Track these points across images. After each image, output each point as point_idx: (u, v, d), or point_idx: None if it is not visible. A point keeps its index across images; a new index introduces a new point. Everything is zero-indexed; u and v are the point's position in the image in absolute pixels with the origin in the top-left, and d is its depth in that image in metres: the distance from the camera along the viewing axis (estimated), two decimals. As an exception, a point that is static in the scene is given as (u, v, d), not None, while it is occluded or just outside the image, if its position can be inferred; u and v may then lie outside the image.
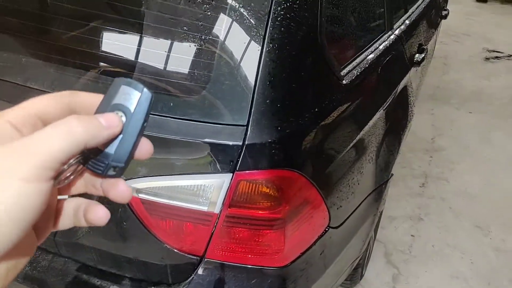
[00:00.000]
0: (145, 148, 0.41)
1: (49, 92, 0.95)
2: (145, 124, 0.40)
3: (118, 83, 0.40)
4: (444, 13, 3.12)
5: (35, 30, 1.15)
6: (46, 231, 0.40)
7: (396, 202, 2.76)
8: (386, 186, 1.65)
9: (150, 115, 0.41)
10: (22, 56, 1.11)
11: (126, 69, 1.06)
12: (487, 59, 5.29)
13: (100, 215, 0.41)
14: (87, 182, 0.42)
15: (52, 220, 0.41)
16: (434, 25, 2.73)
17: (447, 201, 2.80)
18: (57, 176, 0.34)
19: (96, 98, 0.40)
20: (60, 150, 0.33)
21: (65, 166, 0.35)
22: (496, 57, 5.34)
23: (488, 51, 5.52)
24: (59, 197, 0.42)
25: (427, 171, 3.11)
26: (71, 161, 0.36)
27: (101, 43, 1.09)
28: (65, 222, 0.42)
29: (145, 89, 0.39)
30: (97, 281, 1.19)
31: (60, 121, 0.34)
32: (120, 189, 0.40)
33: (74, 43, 1.10)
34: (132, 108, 0.39)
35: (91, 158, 0.38)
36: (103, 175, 0.39)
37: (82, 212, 0.41)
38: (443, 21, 3.51)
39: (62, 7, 1.12)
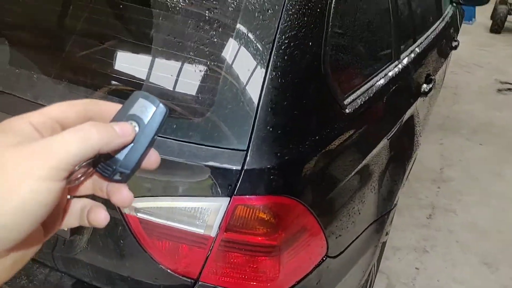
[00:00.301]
0: (153, 158, 0.43)
1: None
2: (155, 137, 0.42)
3: (136, 95, 0.42)
4: (454, 44, 3.13)
5: (47, 48, 1.18)
6: (54, 228, 0.42)
7: (401, 233, 2.73)
8: (388, 216, 1.64)
9: None
10: (34, 72, 1.14)
11: (133, 89, 1.08)
12: (499, 90, 5.27)
13: (101, 217, 0.43)
14: (95, 184, 0.44)
15: (60, 218, 0.43)
16: (443, 56, 2.73)
17: (454, 234, 2.76)
18: (69, 177, 0.36)
19: (113, 108, 0.43)
20: (76, 154, 0.35)
21: (77, 167, 0.37)
22: (509, 89, 5.32)
23: (501, 82, 5.50)
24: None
25: (435, 202, 3.07)
26: (83, 163, 0.38)
27: (110, 63, 1.11)
28: (71, 220, 0.45)
29: (161, 105, 0.42)
30: (91, 298, 1.19)
31: (78, 127, 0.36)
32: (123, 194, 0.42)
33: (83, 62, 1.13)
34: (146, 120, 0.41)
35: (101, 162, 0.41)
36: (109, 178, 0.41)
37: (86, 212, 0.44)
38: (454, 51, 3.52)
39: (75, 27, 1.15)
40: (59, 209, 0.43)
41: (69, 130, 0.36)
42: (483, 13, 8.19)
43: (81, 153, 0.35)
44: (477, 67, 6.06)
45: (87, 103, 0.42)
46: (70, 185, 0.38)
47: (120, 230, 1.07)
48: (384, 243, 2.27)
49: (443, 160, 3.63)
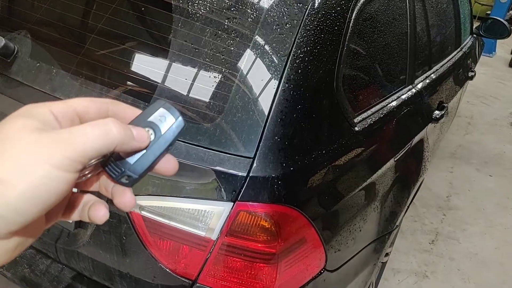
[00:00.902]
0: (171, 165, 0.44)
1: None
2: (170, 148, 0.43)
3: (158, 104, 0.43)
4: (470, 74, 3.13)
5: (68, 44, 1.22)
6: (55, 218, 0.44)
7: (403, 255, 2.71)
8: (389, 237, 1.64)
9: None
10: (53, 67, 1.18)
11: (147, 90, 1.12)
12: (513, 124, 5.24)
13: (100, 214, 0.44)
14: (101, 183, 0.45)
15: (63, 209, 0.45)
16: (458, 85, 2.74)
17: (455, 262, 2.74)
18: (82, 170, 0.37)
19: (133, 111, 0.44)
20: (93, 148, 0.36)
21: (89, 163, 0.38)
22: (523, 123, 5.28)
23: (516, 116, 5.46)
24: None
25: (439, 228, 3.06)
26: (93, 161, 0.39)
27: (127, 63, 1.15)
28: (73, 214, 0.46)
29: (180, 118, 0.43)
30: (90, 292, 1.21)
31: (99, 121, 0.37)
32: (127, 198, 0.43)
33: (102, 61, 1.16)
34: (163, 130, 0.42)
35: (111, 162, 0.41)
36: (116, 180, 0.42)
37: (88, 208, 0.45)
38: (473, 82, 3.52)
39: (96, 26, 1.19)
40: (64, 201, 0.44)
41: (90, 123, 0.37)
42: (503, 47, 8.18)
43: (99, 147, 0.36)
44: (493, 99, 6.04)
45: (108, 102, 0.43)
46: (78, 180, 0.38)
47: (123, 227, 1.10)
48: (384, 264, 2.26)
49: (451, 188, 3.61)
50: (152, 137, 0.42)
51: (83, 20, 1.25)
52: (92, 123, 0.37)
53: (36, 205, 0.34)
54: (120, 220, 1.10)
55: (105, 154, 0.38)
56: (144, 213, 1.06)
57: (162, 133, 0.42)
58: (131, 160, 0.41)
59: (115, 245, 1.13)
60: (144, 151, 0.41)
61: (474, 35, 3.38)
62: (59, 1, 1.26)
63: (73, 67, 1.16)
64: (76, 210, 0.46)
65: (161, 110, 0.43)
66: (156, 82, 1.11)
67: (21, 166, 0.33)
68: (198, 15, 1.13)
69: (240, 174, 0.99)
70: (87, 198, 0.46)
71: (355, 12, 1.25)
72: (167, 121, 0.42)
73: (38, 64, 1.19)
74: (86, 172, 0.41)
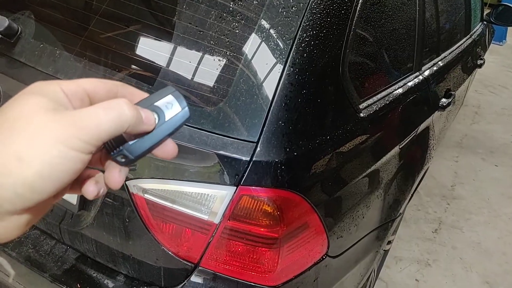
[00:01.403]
0: (170, 148, 0.44)
1: None
2: (170, 135, 0.43)
3: (167, 90, 0.44)
4: (479, 62, 3.10)
5: (72, 26, 1.21)
6: (62, 193, 0.43)
7: (405, 243, 2.72)
8: (392, 225, 1.64)
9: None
10: (57, 48, 1.17)
11: (151, 73, 1.11)
12: (521, 114, 5.19)
13: (89, 190, 0.44)
14: (102, 157, 0.45)
15: (69, 185, 0.45)
16: (467, 73, 2.71)
17: (458, 251, 2.74)
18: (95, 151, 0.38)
19: (141, 95, 0.44)
20: (107, 131, 0.37)
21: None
22: (531, 113, 5.23)
23: (524, 106, 5.41)
24: None
25: (443, 217, 3.05)
26: None
27: (131, 46, 1.14)
28: (75, 188, 0.46)
29: (186, 108, 0.43)
30: (93, 273, 1.22)
31: (112, 103, 0.38)
32: (115, 175, 0.43)
33: (105, 43, 1.15)
34: (167, 117, 0.42)
35: (111, 138, 0.41)
36: (112, 157, 0.42)
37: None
38: (481, 70, 3.48)
39: (100, 8, 1.18)
40: None
41: (102, 105, 0.37)
42: (515, 35, 8.08)
43: (112, 130, 0.37)
44: (502, 88, 5.98)
45: (117, 84, 0.43)
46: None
47: (126, 209, 1.10)
48: (386, 252, 2.27)
49: (456, 177, 3.60)
50: (156, 121, 0.42)
51: (87, 1, 1.24)
52: (105, 105, 0.37)
53: (51, 183, 0.35)
54: (123, 203, 1.11)
55: (118, 135, 0.39)
56: (147, 196, 1.06)
57: (166, 120, 0.42)
58: (131, 140, 0.41)
59: (118, 228, 1.14)
60: (145, 133, 0.42)
61: (485, 22, 3.33)
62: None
63: (77, 48, 1.16)
64: (78, 184, 0.46)
65: (169, 97, 0.43)
66: (159, 64, 1.10)
67: (37, 145, 0.34)
68: (203, -3, 1.12)
69: (243, 158, 0.98)
70: (91, 173, 0.46)
71: (363, -4, 1.23)
72: (173, 109, 0.42)
73: (42, 45, 1.19)
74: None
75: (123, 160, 0.42)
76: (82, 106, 0.39)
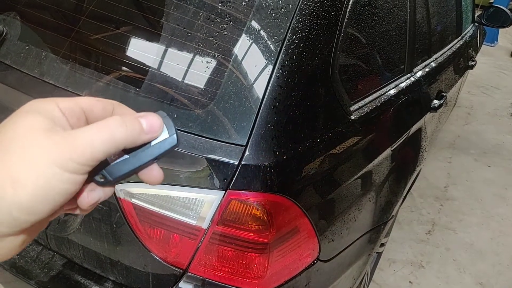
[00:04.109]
0: (155, 177, 0.43)
1: (62, 88, 0.98)
2: (154, 161, 0.42)
3: (159, 115, 0.42)
4: (471, 63, 3.10)
5: (59, 28, 1.19)
6: (59, 212, 0.42)
7: (399, 245, 2.71)
8: (384, 227, 1.63)
9: None
10: (43, 50, 1.15)
11: (139, 75, 1.09)
12: (513, 114, 5.21)
13: (82, 202, 0.42)
14: None
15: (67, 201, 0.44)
16: (458, 74, 2.71)
17: (451, 252, 2.74)
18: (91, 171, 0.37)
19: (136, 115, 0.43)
20: (101, 151, 0.36)
21: None
22: (523, 114, 5.26)
23: (516, 107, 5.43)
24: None
25: (436, 218, 3.05)
26: None
27: (118, 48, 1.12)
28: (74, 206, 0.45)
29: (175, 136, 0.42)
30: (81, 279, 1.20)
31: (105, 123, 0.37)
32: (91, 196, 0.42)
33: (93, 45, 1.13)
34: (154, 142, 0.41)
35: None
36: (90, 176, 0.40)
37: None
38: (474, 71, 3.49)
39: (87, 10, 1.16)
40: None
41: (96, 126, 0.37)
42: (506, 37, 8.11)
43: (106, 151, 0.36)
44: (494, 89, 6.00)
45: (113, 103, 0.43)
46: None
47: (113, 214, 1.08)
48: (380, 254, 2.26)
49: (449, 178, 3.60)
50: (164, 127, 0.41)
51: (73, 2, 1.22)
52: (99, 125, 0.37)
53: (47, 205, 0.35)
54: (110, 208, 1.09)
55: (114, 153, 0.38)
56: (134, 200, 1.04)
57: (152, 145, 0.41)
58: (112, 161, 0.40)
59: (105, 233, 1.12)
60: (128, 156, 0.40)
61: (476, 24, 3.34)
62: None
63: (63, 50, 1.13)
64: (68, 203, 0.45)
65: None
66: (147, 66, 1.08)
67: (32, 167, 0.34)
68: (191, -2, 1.10)
69: (231, 162, 0.97)
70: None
71: (353, -2, 1.22)
72: (162, 134, 0.41)
73: (28, 47, 1.16)
74: None
75: (101, 180, 0.41)
76: (79, 124, 0.39)
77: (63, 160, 0.34)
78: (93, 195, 0.42)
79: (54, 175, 0.34)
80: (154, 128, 0.40)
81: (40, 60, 1.14)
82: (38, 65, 1.13)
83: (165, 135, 0.41)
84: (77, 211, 0.44)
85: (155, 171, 0.43)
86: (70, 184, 0.35)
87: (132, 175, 0.42)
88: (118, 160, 0.40)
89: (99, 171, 0.40)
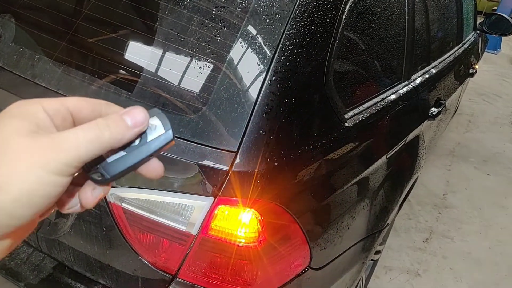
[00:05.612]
0: (155, 168, 0.43)
1: (53, 90, 0.97)
2: (151, 157, 0.42)
3: (153, 112, 0.43)
4: (471, 71, 3.09)
5: (51, 30, 1.19)
6: (47, 214, 0.42)
7: (395, 253, 2.70)
8: (379, 235, 1.62)
9: None
10: (36, 53, 1.15)
11: (131, 79, 1.09)
12: (514, 123, 5.20)
13: (87, 200, 0.42)
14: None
15: (55, 203, 0.43)
16: (458, 82, 2.70)
17: (448, 261, 2.72)
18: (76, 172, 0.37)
19: None
20: (87, 152, 0.36)
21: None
22: (525, 122, 5.24)
23: (517, 115, 5.42)
24: None
25: (434, 226, 3.03)
26: None
27: (111, 52, 1.12)
28: (64, 206, 0.44)
29: (170, 131, 0.42)
30: (71, 282, 1.19)
31: (90, 125, 0.37)
32: (86, 194, 0.41)
33: (86, 48, 1.13)
34: (149, 138, 0.41)
35: None
36: (88, 175, 0.41)
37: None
38: (476, 79, 3.48)
39: (80, 14, 1.16)
40: None
41: (82, 127, 0.37)
42: (508, 44, 8.10)
43: (92, 152, 0.36)
44: (496, 96, 5.99)
45: (101, 103, 0.42)
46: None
47: (103, 218, 1.08)
48: (375, 261, 2.25)
49: (448, 186, 3.59)
50: (137, 142, 0.41)
51: (67, 5, 1.21)
52: (84, 129, 0.37)
53: (30, 209, 0.34)
54: (100, 211, 1.08)
55: (100, 154, 0.38)
56: (124, 205, 1.03)
57: (148, 141, 0.41)
58: (109, 159, 0.40)
59: (96, 236, 1.11)
60: (125, 153, 0.40)
61: (478, 31, 3.33)
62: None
63: (56, 53, 1.13)
64: (67, 202, 0.44)
65: (154, 119, 0.42)
66: (140, 71, 1.08)
67: (15, 171, 0.33)
68: (185, 2, 1.10)
69: (222, 168, 0.96)
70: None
71: (349, 4, 1.22)
72: (157, 130, 0.42)
73: (21, 49, 1.16)
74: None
75: (99, 178, 0.41)
76: (65, 125, 0.39)
77: (47, 162, 0.34)
78: (96, 192, 0.41)
79: (38, 178, 0.34)
80: (139, 121, 0.39)
81: (33, 62, 1.13)
82: (31, 68, 1.13)
83: (160, 131, 0.42)
84: (78, 209, 0.43)
85: (154, 164, 0.43)
86: (54, 186, 0.35)
87: (130, 172, 0.42)
88: (115, 158, 0.40)
89: (96, 169, 0.40)
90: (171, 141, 0.42)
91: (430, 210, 3.21)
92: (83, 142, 0.36)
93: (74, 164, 0.35)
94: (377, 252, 2.13)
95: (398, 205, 1.80)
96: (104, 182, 0.41)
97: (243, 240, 1.00)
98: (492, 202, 3.43)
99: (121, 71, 1.10)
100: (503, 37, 7.58)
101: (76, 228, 1.14)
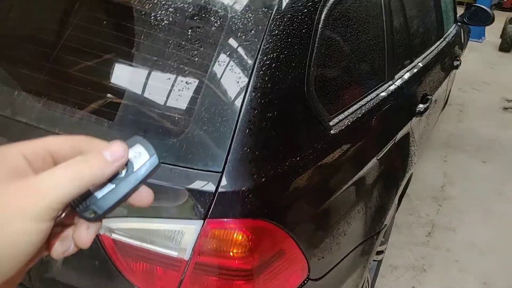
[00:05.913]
0: (145, 196, 0.42)
1: (34, 126, 0.95)
2: (140, 185, 0.41)
3: (135, 140, 0.42)
4: (456, 63, 3.10)
5: (28, 64, 1.19)
6: (36, 258, 0.41)
7: (399, 251, 2.68)
8: (378, 237, 1.61)
9: None
10: (15, 89, 1.14)
11: (111, 107, 1.08)
12: (505, 108, 5.21)
13: (56, 250, 0.41)
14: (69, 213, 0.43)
15: (43, 249, 0.42)
16: (444, 75, 2.71)
17: (453, 253, 2.71)
18: (59, 215, 0.36)
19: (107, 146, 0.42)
20: (68, 192, 0.35)
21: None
22: (515, 107, 5.26)
23: (507, 100, 5.44)
24: None
25: (435, 219, 3.03)
26: None
27: (89, 81, 1.11)
28: (54, 248, 0.43)
29: (155, 156, 0.42)
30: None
31: (70, 163, 0.36)
32: (81, 234, 0.40)
33: (63, 79, 1.13)
34: (136, 167, 0.41)
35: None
36: (79, 214, 0.39)
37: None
38: (463, 68, 3.48)
39: (52, 43, 1.15)
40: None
41: (60, 166, 0.36)
42: (492, 32, 8.15)
43: (73, 191, 0.35)
44: (485, 84, 6.01)
45: (81, 139, 0.41)
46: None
47: (94, 250, 1.06)
48: (380, 261, 2.23)
49: (446, 177, 3.59)
50: (124, 172, 0.40)
51: (43, 37, 1.21)
52: (63, 167, 0.36)
53: (13, 260, 0.33)
54: (91, 245, 1.07)
55: (81, 193, 0.37)
56: (114, 235, 1.02)
57: (134, 170, 0.41)
58: (98, 194, 0.39)
59: (88, 270, 1.10)
60: (114, 186, 0.40)
61: (459, 23, 3.35)
62: (17, 18, 1.23)
63: (35, 87, 1.12)
64: (55, 243, 0.43)
65: (137, 146, 0.42)
66: (119, 98, 1.07)
67: None
68: (160, 26, 1.10)
69: (208, 190, 0.95)
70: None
71: (324, 13, 1.22)
72: (142, 157, 0.41)
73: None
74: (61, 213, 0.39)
75: (91, 216, 0.39)
76: (45, 167, 0.37)
77: (25, 208, 0.33)
78: (91, 231, 0.40)
79: (17, 228, 0.32)
80: (118, 155, 0.39)
81: (12, 99, 1.12)
82: (10, 105, 1.12)
83: (145, 157, 0.41)
84: (72, 251, 0.42)
85: (144, 192, 0.42)
86: (36, 233, 0.34)
87: (122, 203, 0.41)
88: (105, 192, 0.39)
89: (87, 207, 0.39)
90: (157, 165, 0.42)
91: (430, 203, 3.21)
92: (62, 182, 0.34)
93: (54, 206, 0.34)
94: (380, 252, 2.12)
95: (395, 205, 1.79)
96: (97, 218, 0.40)
97: (236, 261, 0.98)
98: (490, 189, 3.44)
99: (101, 100, 1.09)
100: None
101: (68, 263, 1.13)
